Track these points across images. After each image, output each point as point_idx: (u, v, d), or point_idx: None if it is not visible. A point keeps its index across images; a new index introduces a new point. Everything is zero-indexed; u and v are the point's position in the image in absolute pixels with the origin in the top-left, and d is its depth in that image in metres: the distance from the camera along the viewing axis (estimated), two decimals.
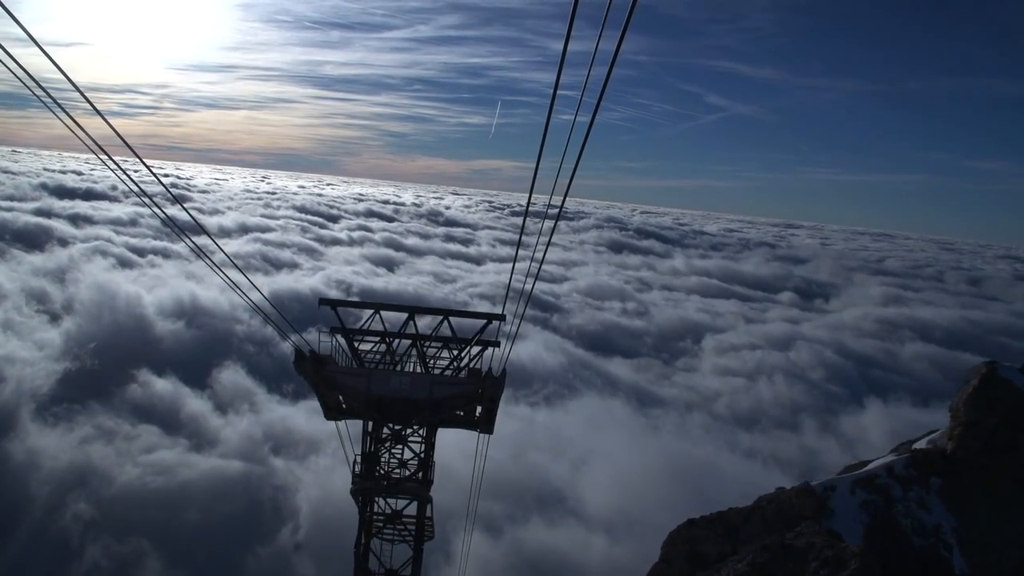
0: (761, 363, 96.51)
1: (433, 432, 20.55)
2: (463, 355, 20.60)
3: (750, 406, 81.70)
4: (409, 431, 20.22)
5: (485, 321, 20.24)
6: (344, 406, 21.05)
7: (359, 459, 19.77)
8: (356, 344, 20.34)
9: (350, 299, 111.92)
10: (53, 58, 8.16)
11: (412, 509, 20.31)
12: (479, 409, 21.09)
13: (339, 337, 19.99)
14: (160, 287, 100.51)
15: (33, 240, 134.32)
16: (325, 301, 20.28)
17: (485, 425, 21.57)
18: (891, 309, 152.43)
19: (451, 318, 20.36)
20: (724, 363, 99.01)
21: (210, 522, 50.07)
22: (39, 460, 54.61)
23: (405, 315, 20.68)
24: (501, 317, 19.94)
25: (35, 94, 8.80)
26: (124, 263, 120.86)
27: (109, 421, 61.17)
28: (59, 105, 9.14)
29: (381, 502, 20.60)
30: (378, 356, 20.77)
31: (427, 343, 20.75)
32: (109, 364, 72.70)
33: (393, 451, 20.51)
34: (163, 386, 68.45)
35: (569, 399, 76.44)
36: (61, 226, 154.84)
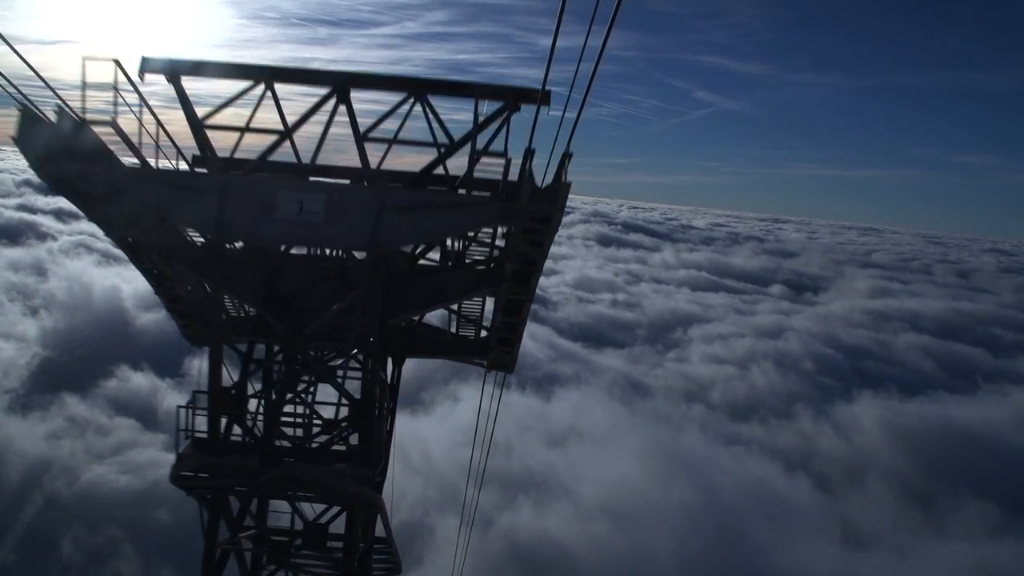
0: (753, 354, 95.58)
1: (397, 361, 11.62)
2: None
3: (742, 396, 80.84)
4: (332, 354, 11.18)
5: (502, 107, 9.78)
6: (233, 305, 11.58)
7: (195, 400, 10.06)
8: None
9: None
10: (35, 57, 7.94)
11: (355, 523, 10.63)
12: (488, 312, 11.79)
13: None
14: (144, 285, 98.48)
15: (15, 235, 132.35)
16: (151, 65, 9.64)
17: (501, 350, 12.31)
18: (882, 301, 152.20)
19: (432, 101, 10.18)
20: (715, 354, 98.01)
21: (187, 520, 48.31)
22: (7, 455, 52.78)
23: (326, 94, 10.04)
24: (540, 97, 9.02)
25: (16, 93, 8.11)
26: (109, 257, 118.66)
27: (85, 414, 59.36)
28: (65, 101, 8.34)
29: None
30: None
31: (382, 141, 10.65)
32: (88, 357, 70.87)
33: (295, 399, 10.90)
34: (141, 380, 66.65)
35: (558, 389, 75.24)
36: (45, 221, 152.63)
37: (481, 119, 9.78)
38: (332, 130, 10.35)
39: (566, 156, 8.24)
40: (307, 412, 10.84)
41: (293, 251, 10.63)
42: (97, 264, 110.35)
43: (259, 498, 11.06)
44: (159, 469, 52.50)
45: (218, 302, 10.25)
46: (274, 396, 10.61)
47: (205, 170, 10.17)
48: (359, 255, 9.77)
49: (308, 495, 10.47)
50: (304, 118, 10.30)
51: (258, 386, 10.68)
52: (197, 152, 10.26)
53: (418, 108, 10.13)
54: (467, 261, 10.95)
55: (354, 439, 10.28)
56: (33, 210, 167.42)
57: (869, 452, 65.06)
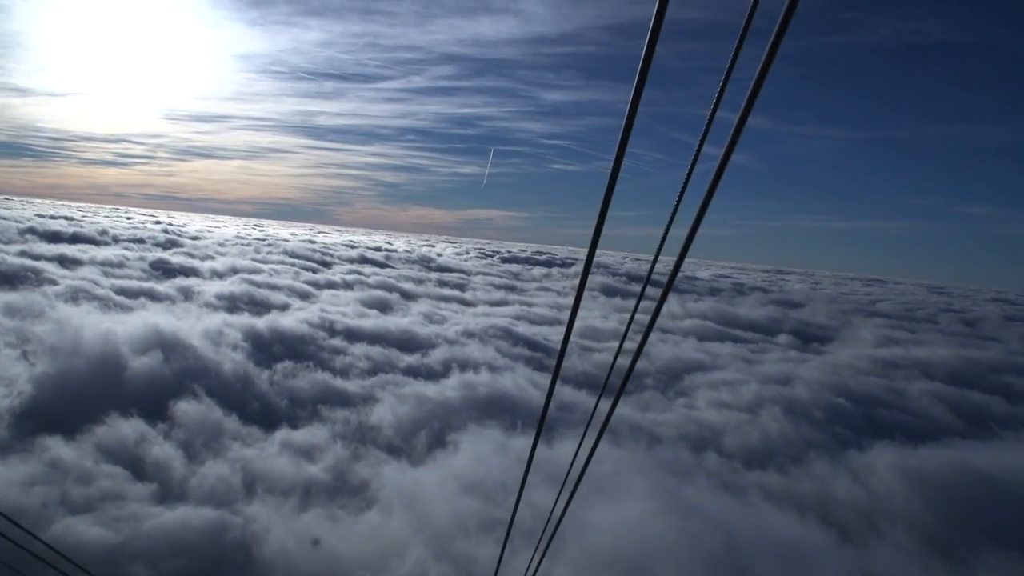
0: (762, 402, 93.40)
1: None
2: None
3: (753, 445, 78.52)
4: None
5: None
6: None
7: None
8: None
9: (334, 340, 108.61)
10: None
11: None
12: None
13: None
14: (141, 327, 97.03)
15: (15, 280, 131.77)
16: None
17: None
18: (889, 350, 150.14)
19: None
20: (724, 402, 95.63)
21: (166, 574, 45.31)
22: None
23: None
24: None
25: None
26: (109, 304, 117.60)
27: (69, 460, 56.75)
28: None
29: None
30: None
31: None
32: (77, 401, 68.64)
33: None
34: (131, 426, 64.37)
35: (564, 435, 73.10)
36: (48, 267, 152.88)
37: None
38: None
39: None
40: None
41: None
42: (96, 310, 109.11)
43: None
44: (138, 524, 47.71)
45: None
46: None
47: None
48: None
49: None
50: None
51: None
52: None
53: None
54: None
55: None
56: (35, 256, 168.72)
57: (885, 498, 62.56)
